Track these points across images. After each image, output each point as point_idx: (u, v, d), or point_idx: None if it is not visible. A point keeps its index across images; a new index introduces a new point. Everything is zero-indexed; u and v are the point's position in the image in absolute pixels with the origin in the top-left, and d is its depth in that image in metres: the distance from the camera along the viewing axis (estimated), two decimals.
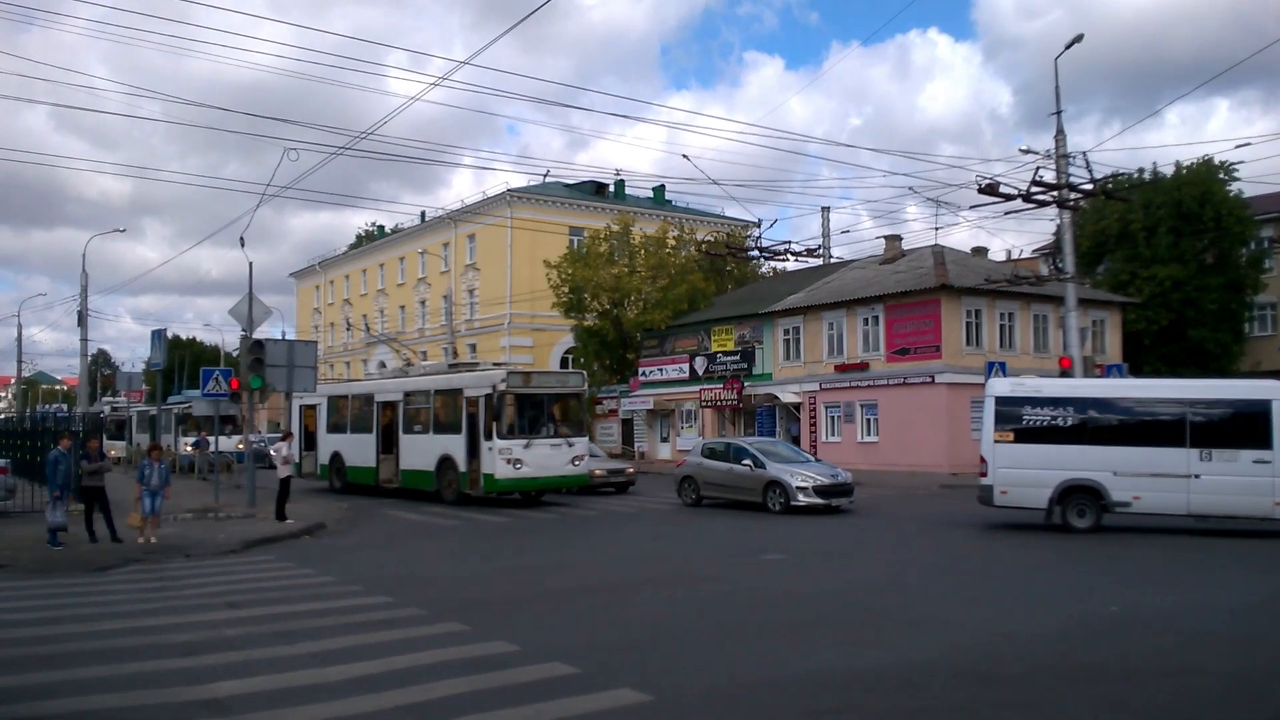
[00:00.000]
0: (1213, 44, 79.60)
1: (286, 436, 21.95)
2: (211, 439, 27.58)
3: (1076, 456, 16.13)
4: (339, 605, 10.12)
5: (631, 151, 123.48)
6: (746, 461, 20.27)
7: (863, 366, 34.41)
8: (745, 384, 38.16)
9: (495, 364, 27.77)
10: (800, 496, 19.08)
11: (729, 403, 38.65)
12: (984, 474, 16.78)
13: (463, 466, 21.49)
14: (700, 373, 40.69)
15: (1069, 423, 16.38)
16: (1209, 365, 37.03)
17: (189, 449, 33.64)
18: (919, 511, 20.30)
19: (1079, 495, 16.15)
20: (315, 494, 25.29)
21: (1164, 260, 36.17)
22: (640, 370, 43.07)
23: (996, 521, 17.43)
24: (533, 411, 21.48)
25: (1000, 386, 17.35)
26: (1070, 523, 16.13)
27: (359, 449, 25.49)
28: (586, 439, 23.00)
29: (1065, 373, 24.69)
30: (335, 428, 27.01)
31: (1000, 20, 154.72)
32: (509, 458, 20.43)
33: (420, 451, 23.19)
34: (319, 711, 6.35)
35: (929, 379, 32.02)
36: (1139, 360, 36.16)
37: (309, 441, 28.02)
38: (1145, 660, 7.70)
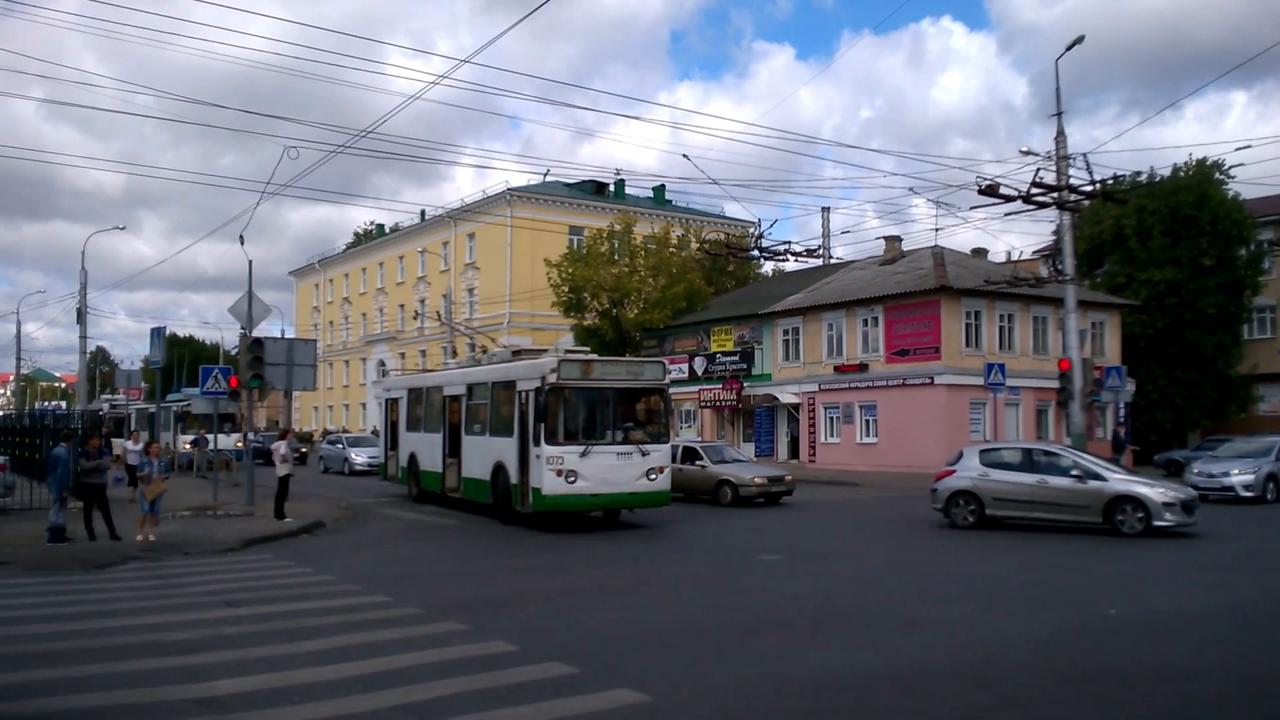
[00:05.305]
0: (1237, 32, 79.20)
1: (284, 434, 21.96)
2: (210, 437, 27.57)
3: None
4: (337, 604, 10.13)
5: (634, 149, 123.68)
6: (1076, 473, 16.51)
7: (862, 367, 34.43)
8: (744, 384, 38.21)
9: (558, 351, 23.92)
10: (1167, 515, 15.74)
11: (728, 403, 38.72)
12: None
13: (514, 478, 17.28)
14: (700, 373, 40.73)
15: None
16: (1206, 368, 37.02)
17: (188, 447, 33.65)
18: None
19: None
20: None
21: (1159, 263, 36.17)
22: None
23: None
24: (594, 410, 17.11)
25: None
26: None
27: (430, 450, 21.81)
28: (667, 447, 17.87)
29: (1065, 375, 24.68)
30: (412, 425, 23.41)
31: (1016, 7, 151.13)
32: (559, 468, 16.10)
33: (479, 456, 19.15)
34: (316, 710, 6.35)
35: (928, 380, 32.04)
36: (1137, 363, 36.16)
37: (394, 440, 24.62)
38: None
